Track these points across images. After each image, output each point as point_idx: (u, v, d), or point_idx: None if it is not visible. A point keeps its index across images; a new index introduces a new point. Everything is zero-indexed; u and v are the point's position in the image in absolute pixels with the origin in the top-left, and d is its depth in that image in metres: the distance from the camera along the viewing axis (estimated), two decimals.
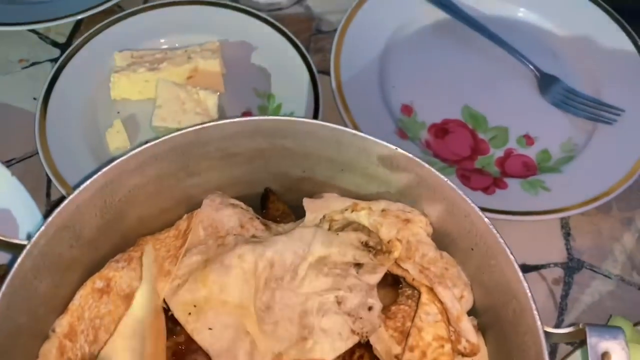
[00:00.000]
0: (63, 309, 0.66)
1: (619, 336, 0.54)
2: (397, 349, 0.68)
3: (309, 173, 0.77)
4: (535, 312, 0.57)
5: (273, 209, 0.82)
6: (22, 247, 0.60)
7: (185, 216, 0.76)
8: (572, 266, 0.97)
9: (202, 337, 0.64)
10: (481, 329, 0.69)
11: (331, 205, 0.77)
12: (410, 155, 0.65)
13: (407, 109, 1.08)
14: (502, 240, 0.61)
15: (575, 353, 0.82)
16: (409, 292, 0.74)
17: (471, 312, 0.69)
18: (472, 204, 0.63)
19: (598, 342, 0.54)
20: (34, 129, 1.01)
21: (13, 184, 0.90)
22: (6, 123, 1.07)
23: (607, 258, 0.99)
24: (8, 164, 1.01)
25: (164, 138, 0.67)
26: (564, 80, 1.11)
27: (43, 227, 0.60)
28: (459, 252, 0.69)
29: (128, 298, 0.69)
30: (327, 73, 1.09)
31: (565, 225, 1.01)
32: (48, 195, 1.01)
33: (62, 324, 0.66)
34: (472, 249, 0.67)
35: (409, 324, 0.69)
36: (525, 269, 0.96)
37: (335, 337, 0.63)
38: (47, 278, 0.63)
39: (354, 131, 0.68)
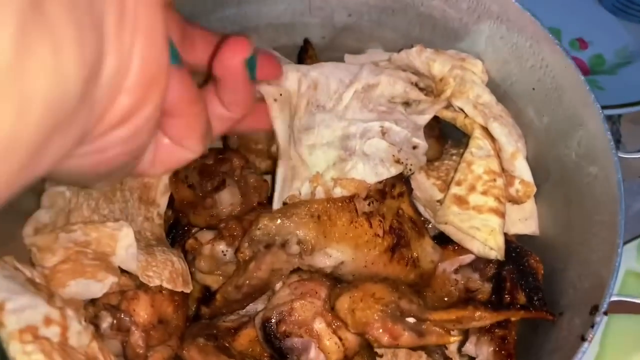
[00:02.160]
0: None
1: None
2: (438, 196, 0.63)
3: (355, 17, 0.71)
4: (607, 133, 0.51)
5: (310, 64, 0.76)
6: None
7: None
8: None
9: (282, 130, 0.57)
10: None
11: (374, 58, 0.72)
12: None
13: None
14: (572, 62, 0.55)
15: None
16: (454, 151, 0.69)
17: None
18: (541, 26, 0.57)
19: None
20: None
21: None
22: None
23: None
24: None
25: None
26: None
27: None
28: (517, 99, 0.63)
29: None
30: None
31: (616, 132, 0.95)
32: None
33: None
34: (534, 89, 0.61)
35: (452, 174, 0.63)
36: None
37: (377, 162, 0.58)
38: None
39: None
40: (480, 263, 0.61)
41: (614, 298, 0.46)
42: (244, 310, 0.61)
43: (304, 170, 0.58)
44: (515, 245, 0.60)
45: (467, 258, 0.62)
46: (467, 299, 0.60)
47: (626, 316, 0.71)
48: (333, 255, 0.57)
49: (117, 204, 0.62)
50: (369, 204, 0.57)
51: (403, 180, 0.61)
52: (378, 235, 0.58)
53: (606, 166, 0.51)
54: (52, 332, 0.42)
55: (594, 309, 0.45)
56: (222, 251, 0.60)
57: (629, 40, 1.01)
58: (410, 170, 0.60)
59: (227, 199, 0.61)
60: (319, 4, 0.71)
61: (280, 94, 0.57)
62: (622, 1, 1.03)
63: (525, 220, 0.63)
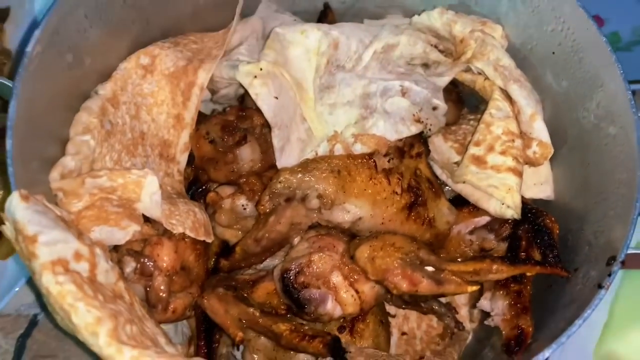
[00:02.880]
0: (106, 79, 0.62)
1: None
2: (455, 158, 0.64)
3: None
4: (628, 92, 0.52)
5: None
6: None
7: (237, 19, 0.71)
8: None
9: (267, 104, 0.58)
10: None
11: (396, 23, 0.72)
12: None
13: None
14: (594, 23, 0.55)
15: None
16: (472, 117, 0.69)
17: None
18: None
19: None
20: None
21: None
22: None
23: None
24: None
25: None
26: None
27: None
28: (536, 63, 0.64)
29: (172, 78, 0.65)
30: None
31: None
32: None
33: (105, 88, 0.61)
34: (554, 53, 0.61)
35: (470, 138, 0.64)
36: None
37: (397, 120, 0.58)
38: (97, 27, 0.58)
39: None
40: (495, 224, 0.62)
41: (631, 251, 0.46)
42: (262, 265, 0.62)
43: (320, 134, 0.59)
44: (531, 206, 0.61)
45: (482, 220, 0.63)
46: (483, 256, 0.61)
47: (634, 286, 0.72)
48: (351, 211, 0.58)
49: (139, 157, 0.62)
50: (388, 161, 0.58)
51: (421, 141, 0.62)
52: (396, 193, 0.59)
53: (626, 125, 0.52)
54: (82, 267, 0.43)
55: (612, 259, 0.46)
56: (242, 205, 0.61)
57: None
58: (430, 130, 0.61)
59: (248, 155, 0.62)
60: None
61: (261, 69, 0.58)
62: None
63: (540, 184, 0.64)
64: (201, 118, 0.66)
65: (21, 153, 0.49)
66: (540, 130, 0.59)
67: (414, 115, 0.59)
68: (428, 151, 0.64)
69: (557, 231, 0.58)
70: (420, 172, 0.62)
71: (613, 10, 1.01)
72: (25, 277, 0.74)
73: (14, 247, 0.44)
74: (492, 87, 0.61)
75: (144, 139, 0.65)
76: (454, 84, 0.67)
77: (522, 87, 0.60)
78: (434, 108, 0.62)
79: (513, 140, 0.58)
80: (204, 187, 0.67)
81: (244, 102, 0.70)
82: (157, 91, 0.65)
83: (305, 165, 0.57)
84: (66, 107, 0.58)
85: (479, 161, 0.58)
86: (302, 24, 0.62)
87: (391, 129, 0.58)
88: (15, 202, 0.43)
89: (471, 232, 0.63)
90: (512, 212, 0.57)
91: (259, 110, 0.65)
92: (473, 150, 0.59)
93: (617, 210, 0.50)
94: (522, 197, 0.62)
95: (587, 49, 0.57)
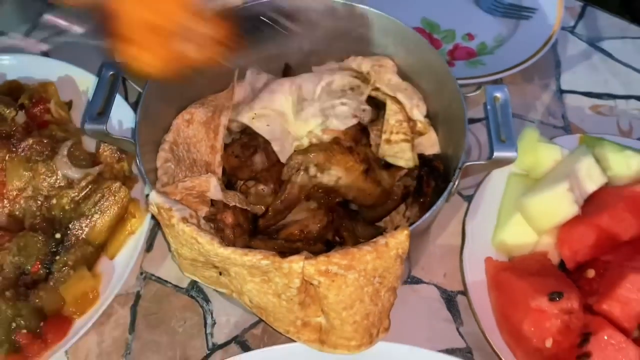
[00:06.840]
0: (167, 131, 1.06)
1: (503, 88, 0.94)
2: (378, 140, 1.08)
3: (315, 46, 1.16)
4: (458, 87, 0.97)
5: None
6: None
7: (234, 83, 1.15)
8: None
9: (264, 130, 1.03)
10: (433, 126, 1.09)
11: (330, 68, 1.18)
12: (378, 11, 1.06)
13: None
14: (436, 52, 1.01)
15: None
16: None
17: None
18: (419, 35, 1.03)
19: (492, 91, 0.94)
20: None
21: None
22: None
23: (530, 110, 1.38)
24: None
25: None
26: None
27: None
28: (415, 77, 1.09)
29: (205, 124, 1.09)
30: None
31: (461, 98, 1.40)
32: None
33: (168, 136, 1.04)
34: (423, 70, 1.07)
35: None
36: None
37: (343, 118, 1.03)
38: (162, 105, 1.02)
39: (343, 2, 1.08)
40: (410, 172, 1.06)
41: (467, 164, 0.91)
42: (284, 220, 1.04)
43: (298, 132, 1.03)
44: (427, 157, 1.05)
45: (403, 172, 1.07)
46: (406, 193, 1.05)
47: (508, 197, 1.16)
48: (333, 174, 1.00)
49: (196, 174, 1.06)
50: (349, 142, 1.02)
51: (365, 135, 1.06)
52: (357, 162, 1.01)
53: (459, 109, 0.96)
54: (203, 222, 0.86)
55: (454, 171, 0.91)
56: (262, 189, 1.04)
57: (501, 29, 1.48)
58: (363, 120, 1.05)
59: (259, 160, 1.05)
60: (292, 39, 1.16)
61: (255, 113, 1.03)
62: (494, 3, 1.50)
63: (433, 145, 1.08)
64: (226, 145, 1.10)
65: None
66: (418, 115, 1.04)
67: (352, 114, 1.04)
68: (370, 143, 1.08)
69: (442, 168, 1.03)
70: (367, 153, 1.06)
71: (480, 28, 1.48)
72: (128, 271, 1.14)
73: (161, 225, 0.87)
74: (387, 97, 1.06)
75: (196, 162, 1.07)
76: (370, 96, 1.12)
77: (405, 95, 1.05)
78: (363, 110, 1.07)
79: (401, 124, 1.02)
80: (234, 187, 1.10)
81: (246, 130, 1.14)
82: (197, 134, 1.07)
83: (305, 150, 1.00)
84: (153, 149, 1.02)
85: (388, 140, 1.03)
86: (279, 79, 1.07)
87: (341, 124, 1.02)
88: (154, 195, 0.87)
89: (399, 180, 1.07)
90: (411, 163, 1.02)
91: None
92: (384, 135, 1.04)
93: (459, 150, 0.94)
94: (424, 154, 1.06)
95: (437, 68, 1.02)
